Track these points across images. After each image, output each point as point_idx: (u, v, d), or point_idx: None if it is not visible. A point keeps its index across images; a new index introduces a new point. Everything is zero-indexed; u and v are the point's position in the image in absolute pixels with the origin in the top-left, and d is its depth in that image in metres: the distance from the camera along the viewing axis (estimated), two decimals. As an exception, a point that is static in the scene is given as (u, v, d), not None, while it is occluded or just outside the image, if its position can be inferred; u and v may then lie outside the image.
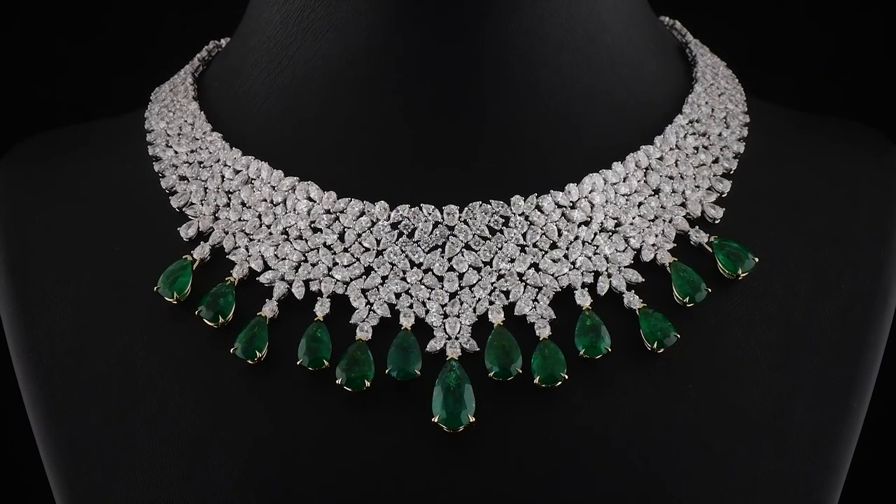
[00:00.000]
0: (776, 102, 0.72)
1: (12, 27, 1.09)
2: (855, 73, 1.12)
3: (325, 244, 0.60)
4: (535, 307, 0.58)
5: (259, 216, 0.61)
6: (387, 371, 0.56)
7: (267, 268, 0.60)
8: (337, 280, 0.59)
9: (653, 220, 0.61)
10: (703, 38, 0.74)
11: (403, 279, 0.59)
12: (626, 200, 0.61)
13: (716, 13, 1.10)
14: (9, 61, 1.10)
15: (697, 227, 0.62)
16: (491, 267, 0.59)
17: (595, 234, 0.60)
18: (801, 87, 1.12)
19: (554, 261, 0.59)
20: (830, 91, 1.12)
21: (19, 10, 1.09)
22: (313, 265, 0.59)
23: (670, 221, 0.61)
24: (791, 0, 1.12)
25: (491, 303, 0.58)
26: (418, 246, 0.59)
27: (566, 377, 0.56)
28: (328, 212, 0.60)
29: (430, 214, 0.59)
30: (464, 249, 0.59)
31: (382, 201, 0.59)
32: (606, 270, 0.59)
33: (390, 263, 0.59)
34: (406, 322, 0.58)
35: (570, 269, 0.59)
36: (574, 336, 0.57)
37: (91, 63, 1.11)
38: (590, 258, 0.60)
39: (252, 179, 0.62)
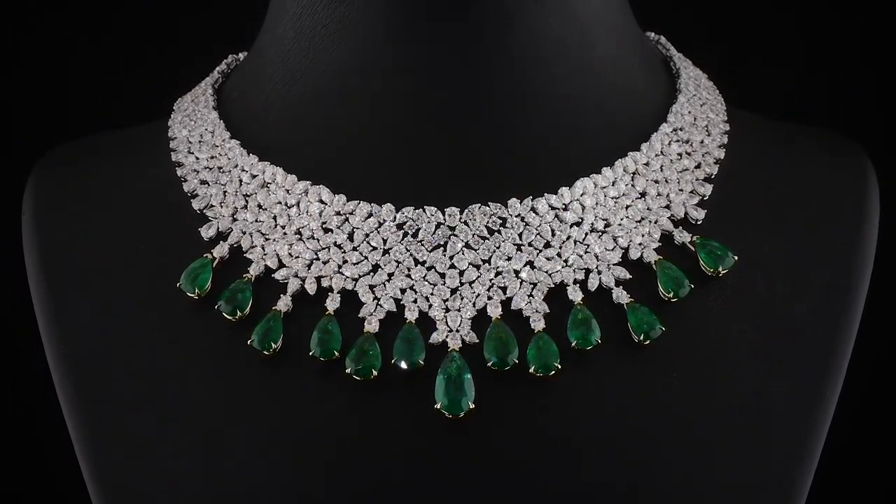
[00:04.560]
0: (755, 110, 0.73)
1: (32, 34, 1.10)
2: (835, 80, 1.12)
3: (335, 243, 0.60)
4: (530, 302, 0.58)
5: (274, 217, 0.62)
6: (393, 361, 0.57)
7: (281, 265, 0.60)
8: (346, 277, 0.59)
9: (639, 221, 0.62)
10: (687, 44, 0.74)
11: (408, 276, 0.59)
12: (615, 203, 0.61)
13: (701, 19, 1.10)
14: (35, 69, 1.11)
15: (681, 227, 0.62)
16: (489, 265, 0.59)
17: (586, 234, 0.60)
18: (784, 91, 1.12)
19: (548, 259, 0.60)
20: (812, 96, 1.12)
21: (40, 17, 1.10)
22: (324, 263, 0.60)
23: (656, 222, 0.62)
24: (774, 7, 1.11)
25: (489, 298, 0.58)
26: (422, 245, 0.59)
27: (559, 367, 0.56)
28: (338, 213, 0.60)
29: (432, 216, 0.59)
30: (464, 248, 0.59)
31: (389, 203, 0.60)
32: (596, 268, 0.60)
33: (396, 261, 0.59)
34: (411, 316, 0.58)
35: (562, 267, 0.59)
36: (566, 329, 0.57)
37: (108, 68, 1.11)
38: (581, 256, 0.60)
39: (268, 183, 0.62)
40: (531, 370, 0.56)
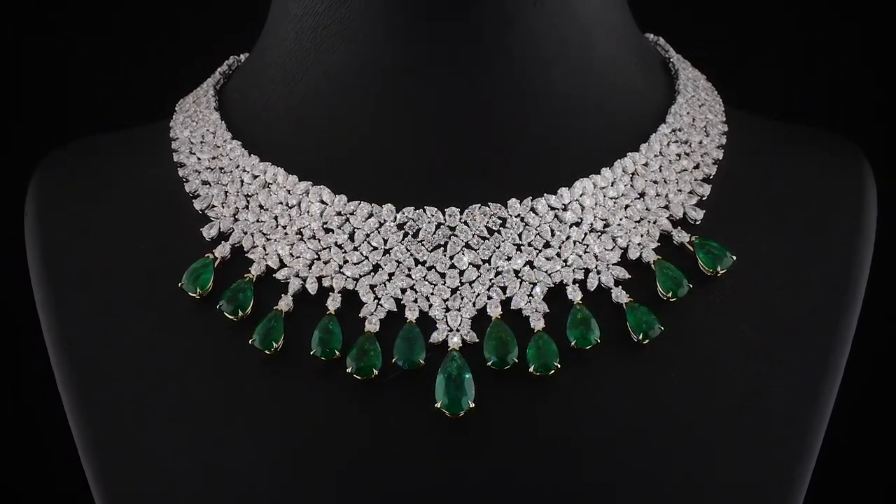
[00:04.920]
0: (754, 111, 0.73)
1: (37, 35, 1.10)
2: (834, 80, 1.12)
3: (336, 243, 0.60)
4: (529, 301, 0.59)
5: (275, 217, 0.62)
6: (393, 360, 0.57)
7: (283, 265, 0.61)
8: (347, 276, 0.59)
9: (638, 222, 0.62)
10: (686, 44, 0.74)
11: (409, 276, 0.59)
12: (614, 203, 0.62)
13: (700, 20, 1.11)
14: (37, 70, 1.11)
15: (679, 227, 0.62)
16: (489, 264, 0.59)
17: (585, 234, 0.61)
18: (781, 93, 1.12)
19: (547, 259, 0.60)
20: (810, 96, 1.12)
21: (41, 17, 1.10)
22: (325, 263, 0.60)
23: (654, 222, 0.62)
24: (773, 7, 1.12)
25: (489, 297, 0.59)
26: (422, 245, 0.59)
27: (558, 366, 0.56)
28: (339, 213, 0.60)
29: (433, 216, 0.59)
30: (464, 248, 0.59)
31: (389, 204, 0.60)
32: (596, 268, 0.60)
33: (396, 261, 0.59)
34: (411, 315, 0.58)
35: (562, 267, 0.60)
36: (566, 328, 0.58)
37: (109, 69, 1.11)
38: (580, 256, 0.60)
39: (269, 184, 0.62)
40: (531, 369, 0.56)
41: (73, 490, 0.81)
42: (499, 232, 0.60)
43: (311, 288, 0.60)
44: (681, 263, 0.60)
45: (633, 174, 0.63)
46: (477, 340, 0.58)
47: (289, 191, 0.62)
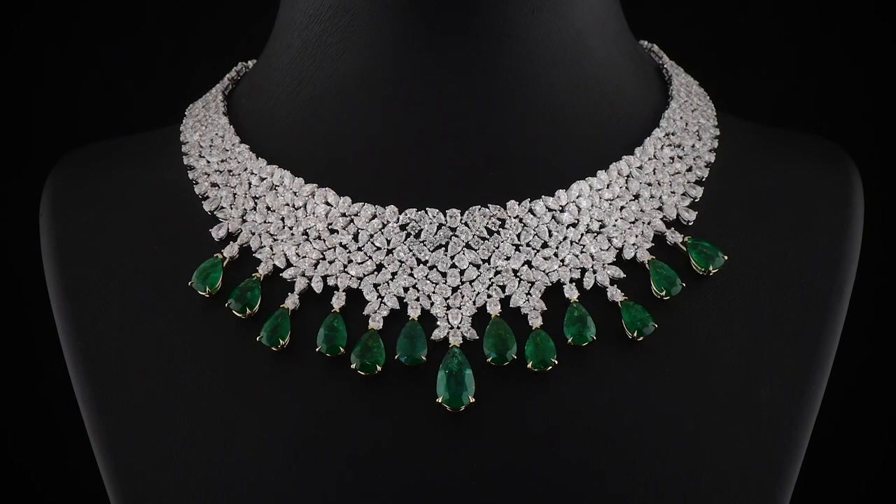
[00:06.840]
0: (744, 115, 0.73)
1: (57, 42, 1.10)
2: (822, 85, 1.12)
3: (340, 244, 0.60)
4: (528, 300, 0.59)
5: (282, 219, 0.62)
6: (396, 357, 0.57)
7: (289, 265, 0.61)
8: (352, 276, 0.60)
9: (633, 223, 0.62)
10: (678, 50, 0.74)
11: (411, 275, 0.59)
12: (610, 205, 0.62)
13: (692, 32, 1.11)
14: (52, 78, 1.11)
15: (673, 228, 0.62)
16: (489, 264, 0.59)
17: (582, 234, 0.61)
18: (771, 97, 1.12)
19: (545, 258, 0.60)
20: (799, 101, 1.12)
21: (55, 27, 1.10)
22: (330, 262, 0.60)
23: (649, 223, 0.62)
24: (763, 14, 1.12)
25: (489, 296, 0.59)
26: (424, 245, 0.60)
27: (556, 362, 0.57)
28: (344, 215, 0.60)
29: (434, 217, 0.60)
30: (465, 248, 0.60)
31: (392, 205, 0.60)
32: (592, 267, 0.60)
33: (399, 261, 0.60)
34: (413, 313, 0.58)
35: (559, 266, 0.60)
36: (563, 326, 0.58)
37: (122, 75, 1.11)
38: (577, 256, 0.60)
39: (276, 186, 0.62)
40: (529, 366, 0.57)
41: (93, 487, 0.82)
42: (498, 233, 0.60)
43: (317, 287, 0.60)
44: (674, 263, 0.60)
45: (627, 177, 0.63)
46: (477, 337, 0.58)
47: (295, 193, 0.62)
